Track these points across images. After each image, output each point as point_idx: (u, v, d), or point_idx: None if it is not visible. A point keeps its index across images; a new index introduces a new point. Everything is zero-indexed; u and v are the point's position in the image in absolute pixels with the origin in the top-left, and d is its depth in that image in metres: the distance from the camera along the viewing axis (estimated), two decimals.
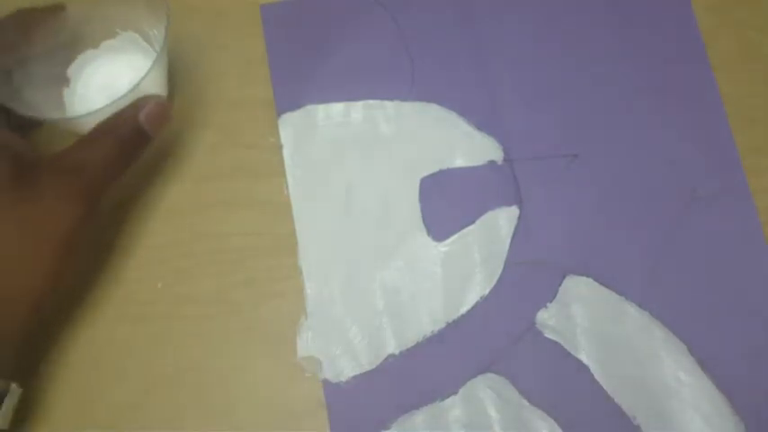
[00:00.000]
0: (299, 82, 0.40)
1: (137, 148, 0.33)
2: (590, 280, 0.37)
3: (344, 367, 0.36)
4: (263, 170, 0.38)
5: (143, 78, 0.31)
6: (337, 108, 0.39)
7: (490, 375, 0.36)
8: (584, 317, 0.36)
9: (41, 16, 0.34)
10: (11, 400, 0.30)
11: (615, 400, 0.35)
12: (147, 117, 0.32)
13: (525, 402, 0.35)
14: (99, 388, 0.35)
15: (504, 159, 0.39)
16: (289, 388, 0.36)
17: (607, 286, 0.37)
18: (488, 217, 0.38)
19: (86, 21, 0.35)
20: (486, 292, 0.37)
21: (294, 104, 0.39)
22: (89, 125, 0.32)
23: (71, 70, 0.36)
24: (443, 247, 0.37)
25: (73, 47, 0.36)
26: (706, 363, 0.36)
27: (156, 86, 0.34)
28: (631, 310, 0.36)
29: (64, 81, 0.35)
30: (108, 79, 0.36)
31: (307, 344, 0.36)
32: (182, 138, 0.38)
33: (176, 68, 0.39)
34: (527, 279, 0.37)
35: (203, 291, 0.36)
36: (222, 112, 0.39)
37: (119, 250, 0.37)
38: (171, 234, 0.37)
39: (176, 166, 0.38)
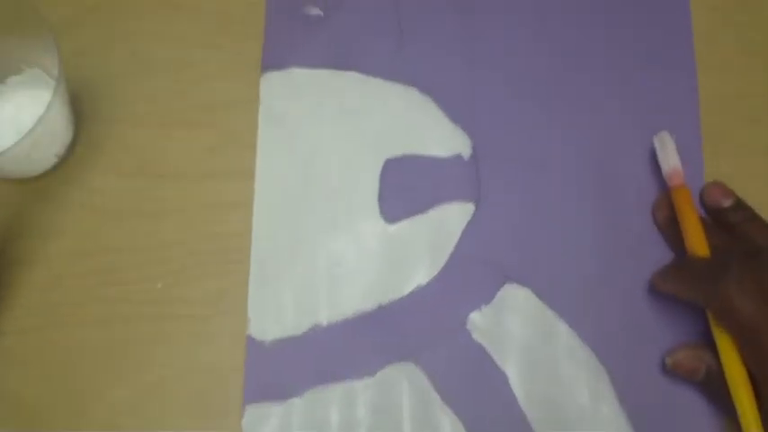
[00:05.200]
0: (289, 41, 0.40)
1: None
2: (529, 292, 0.36)
3: (271, 328, 0.36)
4: None
5: (46, 112, 0.32)
6: (321, 75, 0.39)
7: (409, 365, 0.36)
8: (516, 327, 0.36)
9: None
10: None
11: (526, 414, 0.35)
12: None
13: (437, 397, 0.35)
14: (98, 388, 0.35)
15: (472, 156, 0.38)
16: None
17: (544, 300, 0.36)
18: (442, 209, 0.38)
19: None
20: (425, 282, 0.37)
21: (280, 64, 0.39)
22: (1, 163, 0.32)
23: None
24: (392, 228, 0.37)
25: None
26: (624, 393, 0.35)
27: (60, 118, 0.35)
28: (563, 329, 0.36)
29: None
30: (13, 114, 0.37)
31: None
32: (181, 138, 0.38)
33: (167, 68, 0.39)
34: (467, 278, 0.37)
35: (203, 291, 0.36)
36: (221, 112, 0.39)
37: (119, 250, 0.37)
38: (171, 234, 0.37)
39: (176, 167, 0.38)
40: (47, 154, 0.36)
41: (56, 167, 0.38)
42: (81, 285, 0.36)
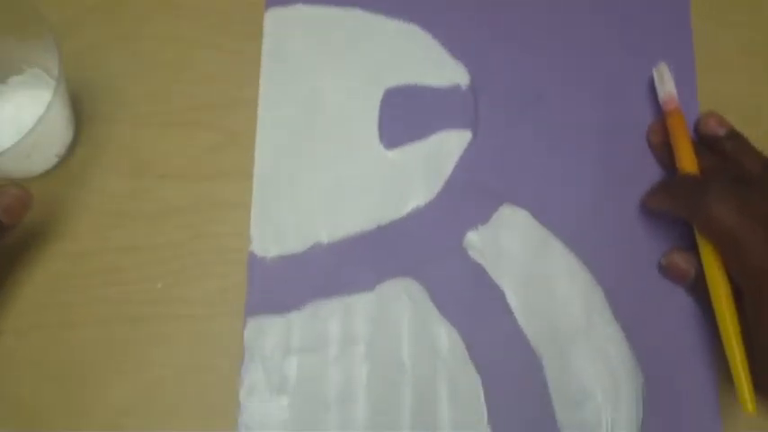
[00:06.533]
0: None
1: None
2: (525, 212, 0.38)
3: (272, 245, 0.37)
4: None
5: (46, 112, 0.32)
6: (325, 12, 0.41)
7: (408, 280, 0.36)
8: (512, 245, 0.37)
9: None
10: None
11: (522, 329, 0.36)
12: (6, 210, 0.32)
13: (435, 310, 0.36)
14: (98, 388, 0.35)
15: (469, 86, 0.39)
16: None
17: (540, 221, 0.37)
18: (440, 135, 0.39)
19: None
20: (422, 203, 0.38)
21: (285, 0, 0.41)
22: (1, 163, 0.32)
23: None
24: (391, 154, 0.38)
25: None
26: (618, 311, 0.36)
27: (60, 118, 0.35)
28: (559, 247, 0.37)
29: None
30: (13, 114, 0.37)
31: None
32: (181, 138, 0.39)
33: (167, 68, 0.40)
34: (464, 200, 0.38)
35: (203, 291, 0.36)
36: (221, 112, 0.39)
37: (119, 250, 0.37)
38: (171, 234, 0.37)
39: (176, 167, 0.38)
40: (47, 154, 0.36)
41: (56, 167, 0.38)
42: (81, 285, 0.36)
